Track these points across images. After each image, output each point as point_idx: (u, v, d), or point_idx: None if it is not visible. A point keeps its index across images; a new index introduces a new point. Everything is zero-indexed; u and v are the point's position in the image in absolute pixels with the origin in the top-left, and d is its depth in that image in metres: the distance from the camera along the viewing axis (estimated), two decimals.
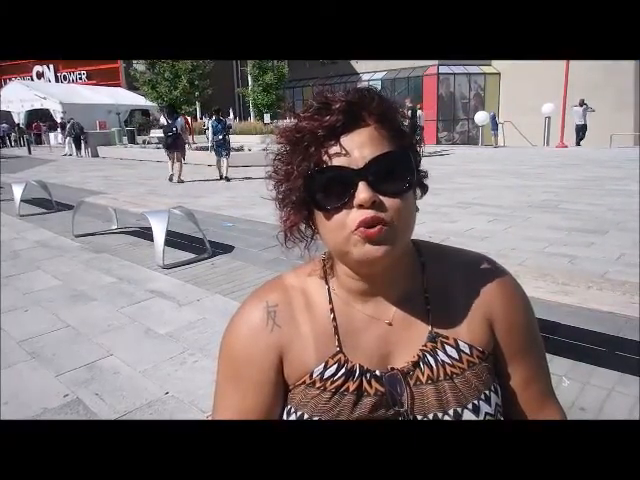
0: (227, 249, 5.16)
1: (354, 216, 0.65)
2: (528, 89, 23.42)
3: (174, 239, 5.27)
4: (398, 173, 0.67)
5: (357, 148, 0.65)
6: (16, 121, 28.57)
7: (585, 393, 2.35)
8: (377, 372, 0.73)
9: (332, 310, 0.75)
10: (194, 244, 5.31)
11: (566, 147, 17.89)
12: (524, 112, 22.14)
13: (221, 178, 11.31)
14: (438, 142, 26.75)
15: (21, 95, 29.48)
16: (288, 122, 0.72)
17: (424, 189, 0.77)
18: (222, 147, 11.28)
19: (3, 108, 17.89)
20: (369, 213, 0.64)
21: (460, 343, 0.74)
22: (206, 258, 4.85)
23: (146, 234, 5.61)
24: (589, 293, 2.31)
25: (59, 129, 25.94)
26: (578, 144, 18.08)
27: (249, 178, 11.48)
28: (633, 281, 2.56)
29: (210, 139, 12.53)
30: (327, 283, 0.77)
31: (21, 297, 3.90)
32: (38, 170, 14.39)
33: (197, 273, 4.41)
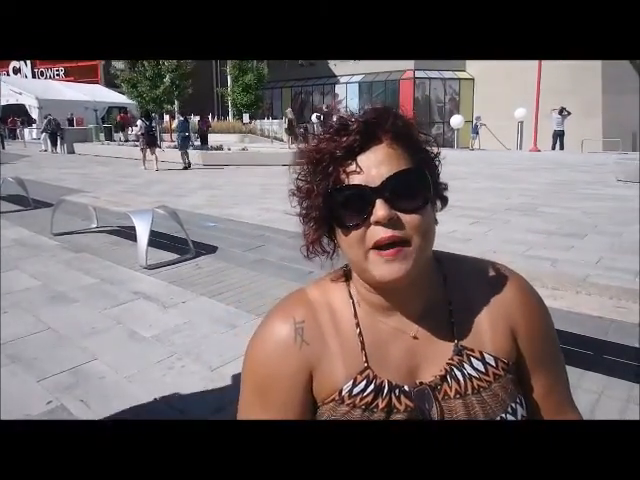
0: (210, 249, 5.12)
1: (372, 233, 0.66)
2: (501, 94, 24.00)
3: (156, 239, 5.20)
4: (414, 190, 0.68)
5: (374, 166, 0.67)
6: None
7: (576, 397, 2.40)
8: (406, 387, 0.73)
9: (357, 325, 0.75)
10: (177, 244, 5.25)
11: (539, 151, 18.27)
12: (497, 116, 22.61)
13: (186, 167, 13.88)
14: None
15: None
16: (308, 143, 0.73)
17: (444, 201, 0.78)
18: (186, 141, 14.38)
19: None
20: (387, 231, 0.66)
21: (486, 355, 0.74)
22: (190, 258, 4.80)
23: (127, 233, 5.53)
24: (578, 298, 2.35)
25: (34, 125, 25.41)
26: (554, 149, 18.48)
27: (229, 178, 11.42)
28: (617, 285, 2.63)
29: (176, 135, 15.37)
30: (351, 297, 0.77)
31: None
32: (13, 166, 14.02)
33: (181, 274, 4.36)
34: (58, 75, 39.71)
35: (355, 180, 0.67)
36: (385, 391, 0.72)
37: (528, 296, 0.79)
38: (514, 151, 19.96)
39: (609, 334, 2.91)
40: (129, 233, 5.14)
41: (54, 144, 20.47)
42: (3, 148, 21.52)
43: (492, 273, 0.80)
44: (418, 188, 0.69)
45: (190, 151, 14.47)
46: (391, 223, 0.66)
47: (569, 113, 18.18)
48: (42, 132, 21.24)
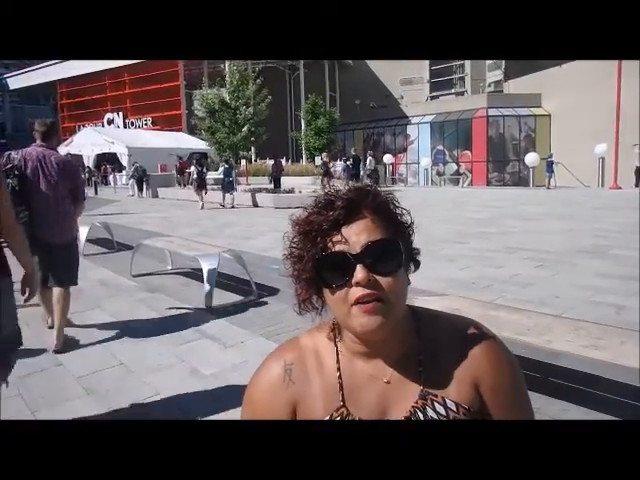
0: (273, 291, 5.34)
1: (353, 292, 0.79)
2: (579, 129, 22.98)
3: (223, 280, 5.52)
4: (389, 256, 0.81)
5: (355, 236, 0.81)
6: (86, 164, 30.57)
7: None
8: None
9: (338, 369, 0.89)
10: (241, 286, 5.53)
11: (620, 189, 17.32)
12: (576, 152, 21.68)
13: (224, 207, 16.11)
14: (488, 183, 26.54)
15: (92, 140, 31.75)
16: (301, 214, 0.88)
17: (417, 264, 0.90)
18: (230, 185, 16.46)
19: (75, 152, 19.52)
20: (365, 290, 0.79)
21: (447, 401, 0.84)
22: (252, 300, 5.06)
23: (197, 275, 5.89)
24: (621, 348, 2.30)
25: (124, 171, 27.53)
26: (637, 186, 17.45)
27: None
28: None
29: (221, 180, 17.23)
30: (335, 345, 0.91)
31: (80, 332, 4.16)
32: (103, 210, 15.28)
33: (243, 315, 4.61)
34: (146, 124, 42.86)
35: (339, 248, 0.81)
36: None
37: (493, 352, 0.88)
38: (594, 189, 19.06)
39: None
40: (199, 275, 5.48)
41: (140, 189, 22.16)
42: (96, 194, 23.44)
43: (465, 330, 0.90)
44: (392, 255, 0.82)
45: (231, 193, 16.61)
46: (369, 284, 0.79)
47: None
48: (130, 178, 23.04)
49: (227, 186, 16.41)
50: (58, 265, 3.85)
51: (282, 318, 4.45)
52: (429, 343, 0.89)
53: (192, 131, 30.83)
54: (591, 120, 22.06)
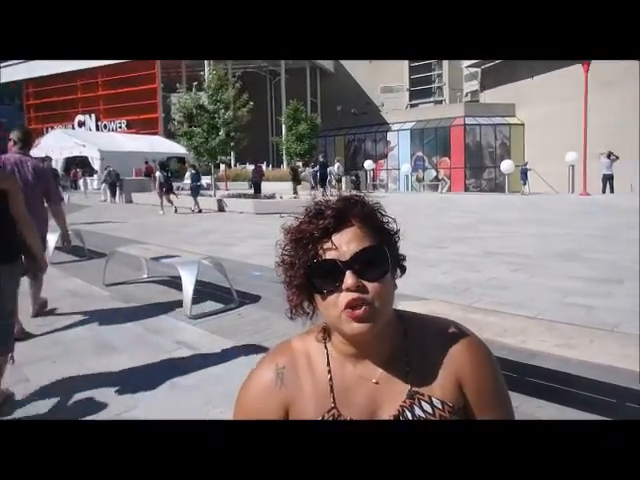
0: (254, 299, 5.30)
1: (343, 297, 0.84)
2: (551, 138, 23.79)
3: (203, 288, 5.44)
4: (377, 263, 0.86)
5: (345, 244, 0.85)
6: (54, 167, 29.80)
7: None
8: None
9: (329, 371, 0.92)
10: (222, 294, 5.46)
11: (589, 195, 17.88)
12: (549, 160, 22.38)
13: (194, 211, 16.22)
14: (466, 189, 27.03)
15: (61, 142, 30.81)
16: (293, 223, 0.91)
17: (403, 270, 0.94)
18: (197, 189, 16.66)
19: (42, 154, 18.96)
20: (355, 295, 0.83)
21: (434, 399, 0.89)
22: (233, 308, 5.00)
23: (176, 283, 5.78)
24: (591, 347, 2.41)
25: (95, 176, 26.93)
26: (604, 192, 18.17)
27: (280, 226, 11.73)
28: (632, 333, 2.69)
29: (190, 185, 17.47)
30: (326, 348, 0.95)
31: (51, 346, 4.04)
32: (74, 216, 14.95)
33: (224, 323, 4.55)
34: (120, 127, 42.24)
35: (329, 255, 0.85)
36: None
37: (475, 352, 0.93)
38: (565, 195, 19.61)
39: (625, 381, 2.86)
40: (177, 283, 5.41)
41: (113, 194, 21.70)
42: (63, 199, 22.91)
43: (448, 331, 0.95)
44: (379, 262, 0.86)
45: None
46: (358, 289, 0.83)
47: (617, 157, 17.94)
48: (102, 182, 22.56)
49: (194, 191, 16.71)
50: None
51: (264, 326, 4.43)
52: (415, 345, 0.93)
53: (170, 135, 30.51)
54: (562, 130, 22.80)
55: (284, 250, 0.92)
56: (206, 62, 34.31)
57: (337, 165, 22.85)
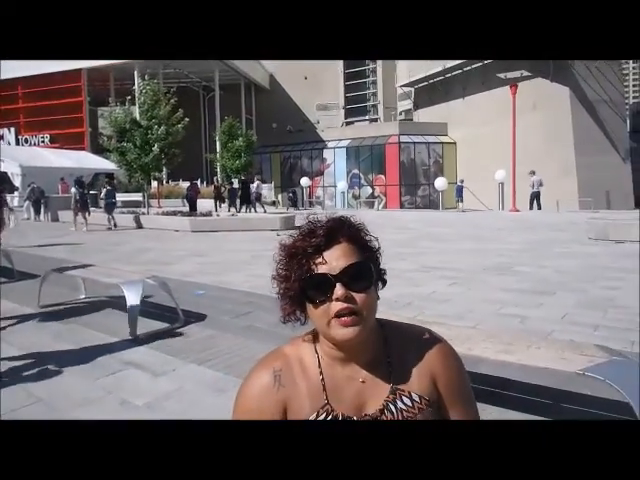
0: (200, 317, 5.22)
1: (334, 307, 0.95)
2: (482, 157, 25.08)
3: (146, 308, 5.29)
4: (363, 276, 0.98)
5: (335, 260, 0.97)
6: None
7: None
8: (354, 418, 1.00)
9: (321, 373, 1.03)
10: (166, 313, 5.34)
11: (518, 211, 18.99)
12: (480, 178, 23.53)
13: (110, 228, 16.33)
14: (402, 206, 27.89)
15: None
16: (288, 240, 1.02)
17: (384, 283, 1.09)
18: (111, 206, 16.70)
19: None
20: (344, 305, 0.95)
21: (413, 394, 1.03)
22: (179, 327, 4.91)
23: (116, 303, 5.61)
24: (528, 352, 2.62)
25: (16, 193, 25.41)
26: (531, 209, 19.32)
27: (219, 243, 11.61)
28: (564, 338, 2.94)
29: (103, 202, 17.26)
30: (317, 351, 1.06)
31: None
32: None
33: (171, 342, 4.46)
34: (43, 142, 40.20)
35: (321, 269, 0.97)
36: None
37: (446, 353, 1.08)
38: (495, 212, 20.66)
39: (559, 384, 3.11)
40: (118, 303, 5.23)
41: (37, 212, 20.55)
42: None
43: (423, 337, 1.09)
44: (365, 275, 0.99)
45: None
46: (347, 300, 0.95)
47: (533, 173, 19.17)
48: (25, 200, 21.32)
49: (108, 207, 16.69)
50: None
51: (212, 344, 4.38)
52: (395, 348, 1.06)
53: (98, 150, 29.40)
54: (492, 149, 24.16)
55: (279, 264, 1.02)
56: (136, 75, 33.56)
57: (257, 183, 23.20)
